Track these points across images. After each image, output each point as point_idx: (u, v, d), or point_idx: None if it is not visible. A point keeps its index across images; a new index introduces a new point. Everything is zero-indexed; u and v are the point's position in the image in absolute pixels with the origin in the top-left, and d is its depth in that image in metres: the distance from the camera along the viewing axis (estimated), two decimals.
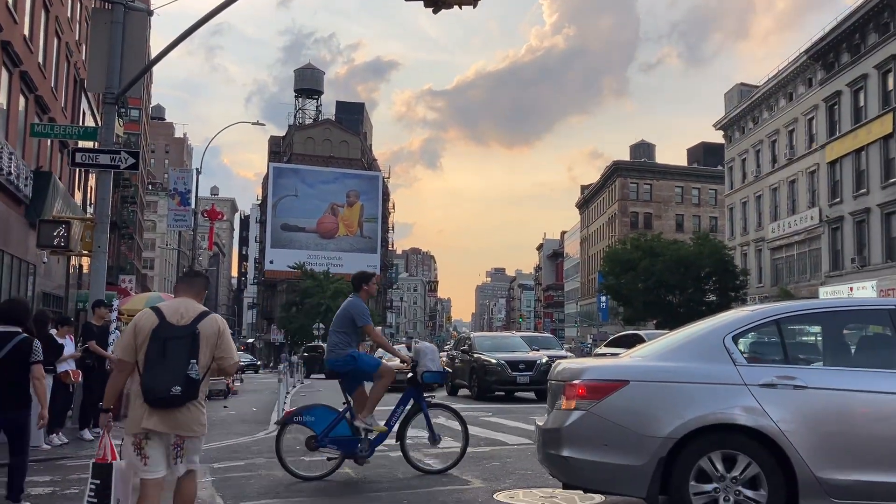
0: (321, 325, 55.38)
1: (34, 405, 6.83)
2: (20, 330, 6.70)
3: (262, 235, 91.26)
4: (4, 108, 20.70)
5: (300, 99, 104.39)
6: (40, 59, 24.40)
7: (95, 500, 5.05)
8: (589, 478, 5.75)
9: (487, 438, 11.65)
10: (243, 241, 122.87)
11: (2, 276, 21.14)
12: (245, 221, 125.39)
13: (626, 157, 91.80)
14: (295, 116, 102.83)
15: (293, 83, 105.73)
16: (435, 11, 8.88)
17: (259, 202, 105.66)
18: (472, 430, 12.58)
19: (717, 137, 66.41)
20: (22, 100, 22.51)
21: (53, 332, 10.83)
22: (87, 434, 11.36)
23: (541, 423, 6.34)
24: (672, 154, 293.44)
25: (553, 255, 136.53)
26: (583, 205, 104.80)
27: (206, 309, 5.10)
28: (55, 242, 13.35)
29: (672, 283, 52.15)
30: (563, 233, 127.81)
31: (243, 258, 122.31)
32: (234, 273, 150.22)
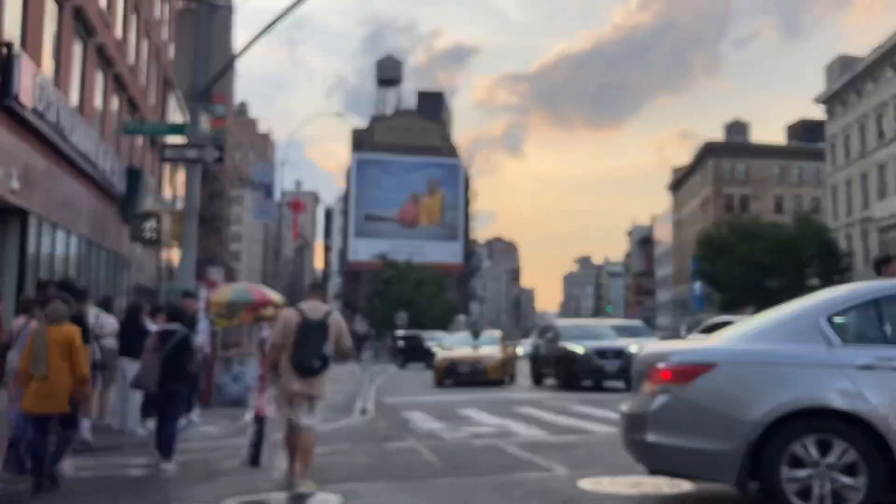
0: (405, 314, 55.92)
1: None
2: (179, 327, 8.73)
3: (346, 226, 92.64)
4: (100, 108, 21.61)
5: (382, 90, 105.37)
6: (131, 61, 25.36)
7: (256, 439, 7.61)
8: (675, 463, 5.59)
9: (573, 427, 11.49)
10: (327, 233, 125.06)
11: (100, 269, 22.13)
12: (329, 213, 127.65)
13: (719, 136, 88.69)
14: (377, 107, 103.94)
15: (374, 74, 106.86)
16: None
17: (342, 193, 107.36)
18: (558, 419, 12.49)
19: (818, 113, 63.38)
20: (115, 100, 23.46)
21: (147, 320, 11.24)
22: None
23: (625, 409, 6.20)
24: (769, 132, 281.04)
25: (643, 240, 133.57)
26: (674, 188, 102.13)
27: (330, 307, 7.46)
28: (146, 236, 13.86)
29: (771, 267, 50.16)
30: (654, 217, 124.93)
31: (327, 249, 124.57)
32: (319, 264, 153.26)
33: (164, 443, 8.13)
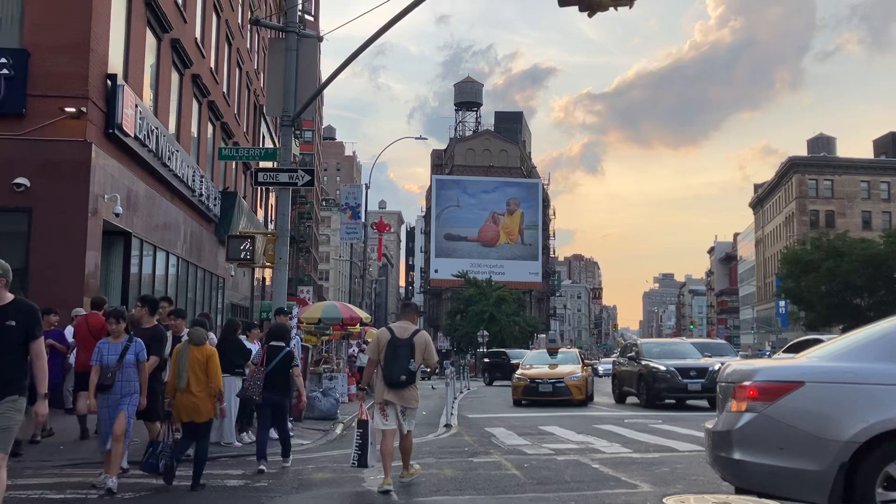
0: (485, 332, 55.99)
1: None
2: (283, 344, 9.59)
3: (427, 245, 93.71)
4: (195, 135, 22.68)
5: (460, 112, 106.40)
6: (224, 89, 26.51)
7: (360, 441, 8.16)
8: (763, 482, 5.57)
9: (657, 445, 11.42)
10: (409, 252, 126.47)
11: (196, 288, 23.12)
12: (411, 233, 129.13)
13: (802, 152, 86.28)
14: (455, 129, 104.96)
15: (453, 97, 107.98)
16: (590, 15, 8.89)
17: (423, 213, 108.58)
18: (641, 436, 12.42)
19: None
20: (210, 127, 24.57)
21: (242, 337, 11.75)
22: (272, 433, 12.16)
23: (710, 426, 6.21)
24: (855, 147, 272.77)
25: (725, 258, 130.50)
26: (756, 204, 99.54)
27: (418, 327, 8.32)
28: (242, 256, 14.46)
29: (859, 284, 48.43)
30: (736, 235, 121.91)
31: (410, 268, 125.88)
32: (402, 283, 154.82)
33: (283, 444, 9.49)
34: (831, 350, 5.98)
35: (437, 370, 37.04)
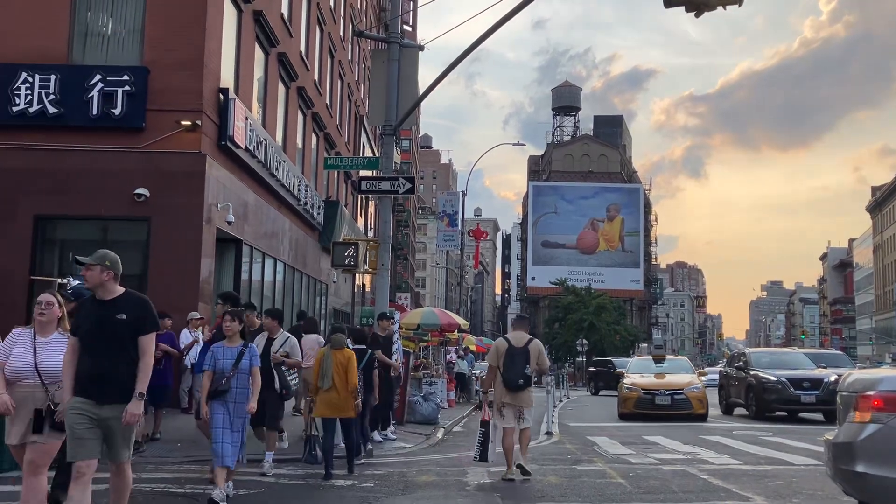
0: (584, 341, 55.16)
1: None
2: (365, 347, 10.16)
3: (524, 253, 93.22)
4: (300, 146, 23.40)
5: (558, 117, 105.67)
6: (327, 101, 27.26)
7: (482, 438, 9.06)
8: (888, 496, 5.30)
9: (769, 457, 11.00)
10: (506, 259, 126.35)
11: (302, 293, 23.82)
12: (507, 240, 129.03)
13: None
14: (553, 134, 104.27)
15: (550, 102, 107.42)
16: (697, 15, 8.69)
17: (520, 221, 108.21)
18: (751, 448, 12.00)
19: None
20: (314, 138, 25.30)
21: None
22: (376, 435, 12.35)
23: (830, 437, 5.96)
24: None
25: (840, 265, 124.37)
26: (874, 208, 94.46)
27: (531, 336, 9.35)
28: (346, 262, 14.82)
29: None
30: (852, 240, 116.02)
31: (506, 275, 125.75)
32: (498, 290, 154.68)
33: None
34: None
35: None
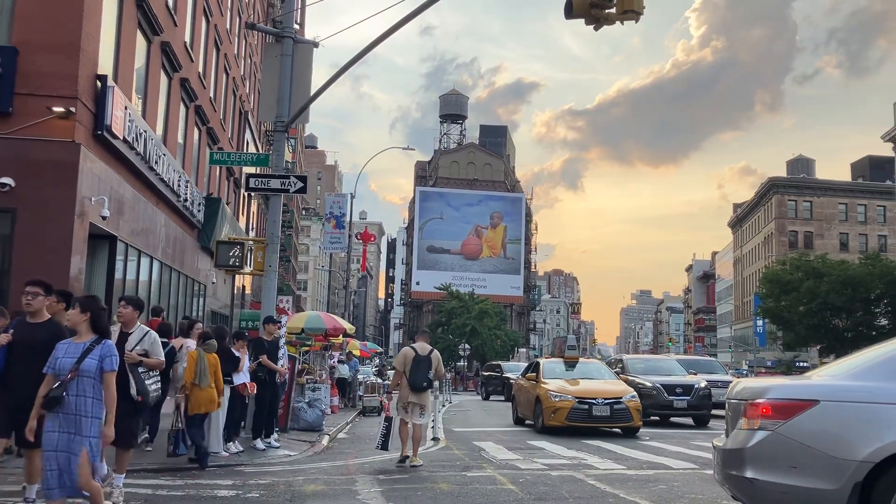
0: (467, 346, 55.83)
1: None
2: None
3: (409, 257, 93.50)
4: (182, 140, 22.41)
5: (445, 124, 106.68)
6: (211, 94, 26.27)
7: (385, 431, 10.83)
8: (776, 500, 5.47)
9: (649, 462, 11.33)
10: (390, 264, 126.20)
11: (178, 293, 22.78)
12: (392, 244, 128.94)
13: (782, 173, 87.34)
14: (440, 141, 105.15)
15: (437, 109, 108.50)
16: (596, 28, 8.85)
17: (406, 225, 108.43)
18: (632, 453, 12.32)
19: (886, 150, 61.91)
20: (196, 132, 24.30)
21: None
22: (259, 443, 11.93)
23: (719, 444, 6.11)
24: (834, 170, 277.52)
25: (704, 276, 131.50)
26: (735, 224, 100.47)
27: (432, 347, 11.16)
28: (231, 262, 14.25)
29: (838, 305, 48.97)
30: (715, 253, 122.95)
31: (390, 280, 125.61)
32: (381, 294, 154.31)
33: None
34: (844, 368, 5.92)
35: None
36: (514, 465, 10.80)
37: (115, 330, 7.30)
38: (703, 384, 19.30)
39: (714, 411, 19.47)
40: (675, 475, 10.03)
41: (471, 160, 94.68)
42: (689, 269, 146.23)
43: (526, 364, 25.88)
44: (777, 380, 6.64)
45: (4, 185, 13.26)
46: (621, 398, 15.81)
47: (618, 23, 8.79)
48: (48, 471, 5.58)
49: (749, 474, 5.50)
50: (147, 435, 10.77)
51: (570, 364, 18.66)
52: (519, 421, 18.56)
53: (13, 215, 13.37)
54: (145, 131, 17.14)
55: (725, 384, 19.73)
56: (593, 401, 15.58)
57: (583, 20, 8.78)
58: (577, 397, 15.68)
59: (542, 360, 19.54)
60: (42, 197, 13.37)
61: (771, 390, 5.71)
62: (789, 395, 5.60)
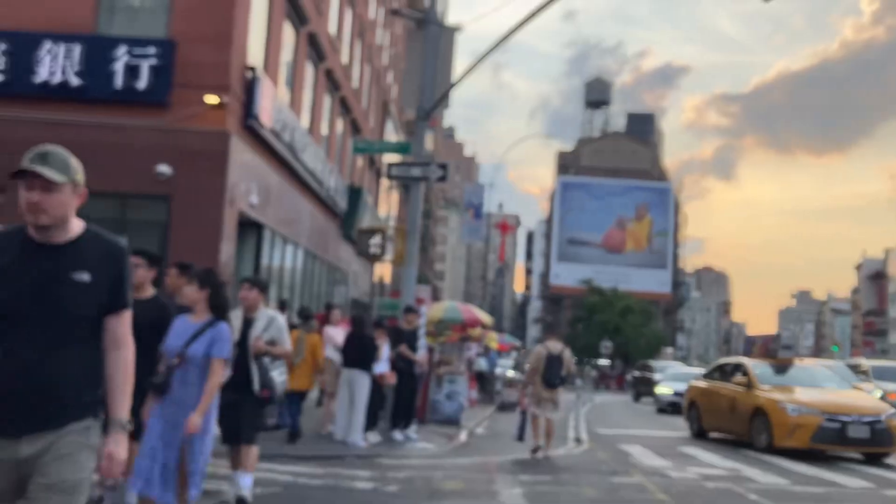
0: (609, 343, 54.12)
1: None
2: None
3: (548, 250, 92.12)
4: (326, 130, 22.81)
5: (588, 111, 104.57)
6: (355, 85, 26.63)
7: (521, 423, 11.49)
8: None
9: (817, 477, 10.23)
10: (528, 256, 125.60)
11: (321, 281, 23.26)
12: (530, 236, 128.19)
13: None
14: (583, 129, 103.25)
15: (580, 96, 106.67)
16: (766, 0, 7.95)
17: (545, 217, 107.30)
18: (796, 466, 11.21)
19: None
20: (340, 122, 24.70)
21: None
22: (397, 434, 11.74)
23: None
24: None
25: (875, 275, 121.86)
26: None
27: (563, 345, 11.73)
28: (372, 251, 14.19)
29: None
30: (888, 250, 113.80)
31: (528, 272, 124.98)
32: (518, 288, 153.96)
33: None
34: None
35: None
36: (664, 472, 10.05)
37: (237, 315, 6.42)
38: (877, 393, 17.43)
39: None
40: (848, 494, 9.00)
41: (616, 149, 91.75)
42: (858, 267, 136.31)
43: (670, 364, 23.92)
44: None
45: (162, 173, 13.79)
46: (880, 416, 12.42)
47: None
48: (144, 464, 4.99)
49: None
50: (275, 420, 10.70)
51: (782, 367, 14.83)
52: (700, 433, 15.17)
53: (169, 202, 13.89)
54: (292, 121, 17.46)
55: None
56: (847, 418, 12.25)
57: None
58: (824, 412, 12.34)
59: (746, 361, 15.35)
60: (195, 184, 13.80)
61: None
62: None
